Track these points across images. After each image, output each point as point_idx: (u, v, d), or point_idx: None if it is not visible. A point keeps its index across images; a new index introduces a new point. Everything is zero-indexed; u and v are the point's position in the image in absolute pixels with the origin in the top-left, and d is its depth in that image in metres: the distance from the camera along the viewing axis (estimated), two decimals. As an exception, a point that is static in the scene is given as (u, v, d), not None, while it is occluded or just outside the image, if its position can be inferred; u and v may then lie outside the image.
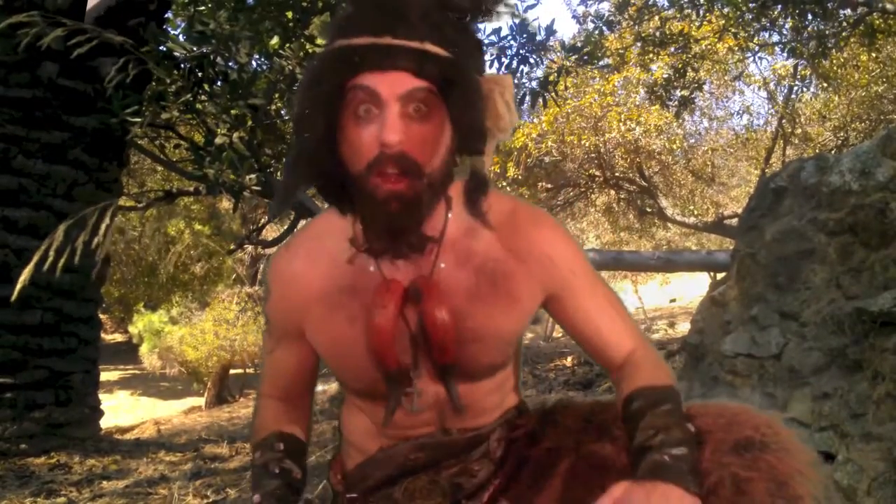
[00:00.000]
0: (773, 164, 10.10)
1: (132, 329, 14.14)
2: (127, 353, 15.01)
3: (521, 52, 5.28)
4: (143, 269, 12.12)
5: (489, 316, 1.08)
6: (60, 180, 4.32)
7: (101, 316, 6.64)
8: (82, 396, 4.50)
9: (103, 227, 3.89)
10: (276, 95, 5.38)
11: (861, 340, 2.30)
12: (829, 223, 2.55)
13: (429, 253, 1.07)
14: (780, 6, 7.58)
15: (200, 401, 11.74)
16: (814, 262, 2.58)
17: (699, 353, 3.05)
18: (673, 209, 10.47)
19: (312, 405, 1.31)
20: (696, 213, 10.81)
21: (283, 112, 5.72)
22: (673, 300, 16.60)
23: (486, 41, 5.11)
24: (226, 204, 10.40)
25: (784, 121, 10.03)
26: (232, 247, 9.42)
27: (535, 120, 9.57)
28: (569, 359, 6.44)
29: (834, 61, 8.94)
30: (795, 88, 10.22)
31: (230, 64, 4.79)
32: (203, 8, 4.74)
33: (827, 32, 7.79)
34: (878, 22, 7.82)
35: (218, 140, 4.60)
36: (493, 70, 5.17)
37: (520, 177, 9.60)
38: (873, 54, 8.87)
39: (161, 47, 4.40)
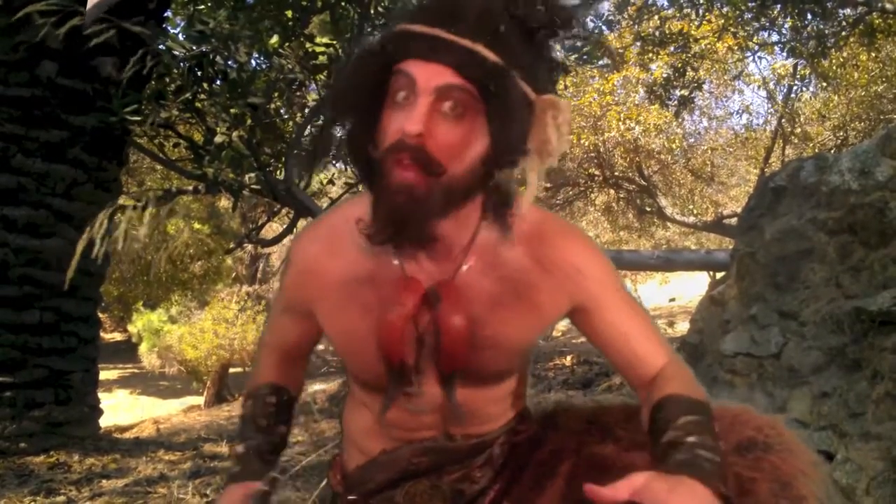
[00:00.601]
0: (773, 163, 10.10)
1: (131, 328, 14.14)
2: (126, 351, 15.00)
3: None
4: (142, 268, 12.10)
5: (507, 324, 1.06)
6: (60, 179, 4.32)
7: (101, 315, 6.64)
8: (81, 395, 4.50)
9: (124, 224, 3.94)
10: (276, 94, 5.38)
11: (860, 339, 2.30)
12: (828, 222, 2.55)
13: (454, 257, 1.05)
14: (779, 6, 7.58)
15: (200, 400, 11.74)
16: (813, 262, 2.58)
17: (698, 352, 3.05)
18: (672, 208, 10.47)
19: (310, 360, 1.35)
20: (695, 212, 10.81)
21: (282, 111, 5.73)
22: (672, 299, 16.61)
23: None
24: (225, 203, 10.39)
25: (783, 120, 10.03)
26: (231, 246, 9.42)
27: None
28: (568, 358, 6.45)
29: (833, 61, 8.94)
30: (795, 88, 10.23)
31: (230, 63, 4.80)
32: (203, 7, 4.74)
33: (826, 32, 7.79)
34: (877, 21, 7.83)
35: (217, 139, 4.60)
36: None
37: (519, 176, 9.58)
38: (873, 54, 8.87)
39: (161, 46, 4.39)
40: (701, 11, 8.29)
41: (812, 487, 0.95)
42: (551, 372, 5.97)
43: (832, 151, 8.28)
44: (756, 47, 9.45)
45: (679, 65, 9.22)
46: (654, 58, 9.32)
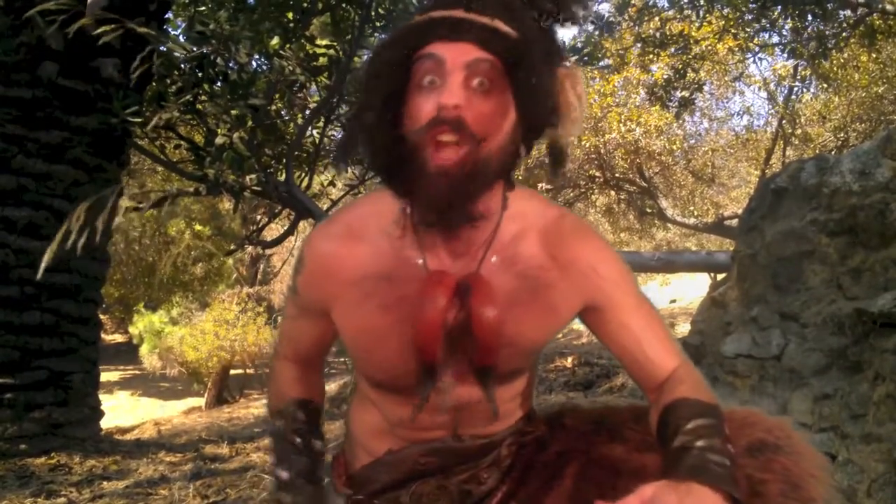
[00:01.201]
0: (773, 164, 10.10)
1: (132, 329, 14.15)
2: (127, 353, 15.01)
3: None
4: (143, 270, 12.11)
5: (524, 323, 1.06)
6: (60, 180, 4.32)
7: (101, 316, 6.64)
8: (82, 397, 4.50)
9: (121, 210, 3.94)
10: (277, 96, 5.38)
11: (861, 341, 2.30)
12: (829, 224, 2.55)
13: (475, 251, 1.05)
14: (780, 7, 7.58)
15: (200, 401, 11.74)
16: (814, 263, 2.58)
17: (699, 353, 3.05)
18: (673, 210, 10.48)
19: (325, 363, 1.33)
20: (696, 213, 10.81)
21: (283, 112, 5.73)
22: (673, 301, 16.59)
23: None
24: (226, 204, 10.40)
25: (784, 121, 10.03)
26: (232, 247, 9.42)
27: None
28: (569, 359, 6.44)
29: (834, 62, 8.94)
30: (795, 89, 10.24)
31: (230, 64, 4.80)
32: (203, 8, 4.74)
33: (827, 33, 7.79)
34: (878, 23, 7.83)
35: (218, 140, 4.60)
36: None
37: (520, 177, 9.60)
38: (873, 55, 8.88)
39: (161, 47, 4.40)
40: (701, 13, 8.30)
41: (821, 489, 0.95)
42: (552, 373, 5.97)
43: (833, 153, 8.28)
44: (757, 48, 9.46)
45: (680, 66, 9.22)
46: (655, 59, 9.33)
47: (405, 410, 1.11)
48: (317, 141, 5.92)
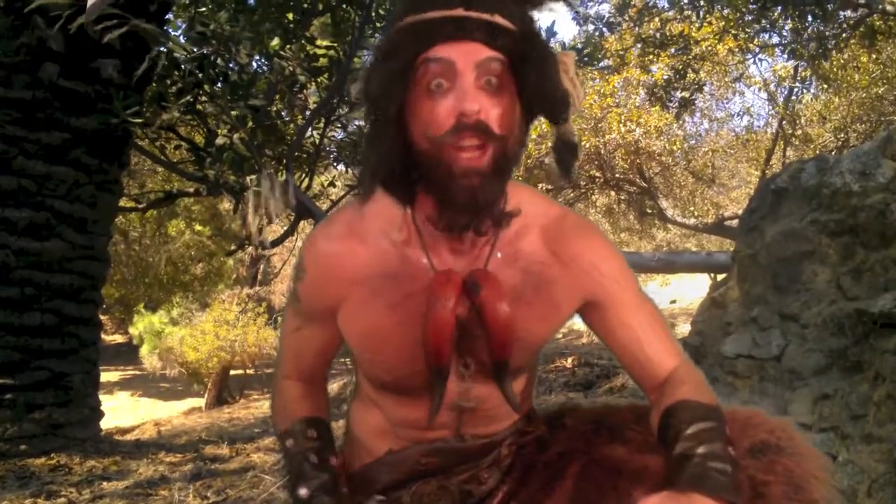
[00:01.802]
0: (774, 165, 10.10)
1: (132, 330, 14.16)
2: (127, 354, 15.02)
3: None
4: (143, 270, 12.12)
5: (527, 319, 1.05)
6: (61, 181, 4.32)
7: (102, 317, 6.64)
8: (82, 397, 4.50)
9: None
10: (277, 96, 5.39)
11: (861, 342, 2.30)
12: (829, 224, 2.55)
13: (479, 247, 1.05)
14: (780, 7, 7.58)
15: (200, 402, 11.74)
16: (814, 264, 2.58)
17: (699, 354, 3.05)
18: (673, 210, 10.48)
19: (327, 382, 1.30)
20: (696, 214, 10.81)
21: (283, 113, 5.73)
22: (673, 301, 16.59)
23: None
24: (226, 205, 10.40)
25: (784, 122, 10.03)
26: (232, 247, 9.42)
27: (535, 121, 9.56)
28: (569, 360, 6.44)
29: (834, 63, 8.94)
30: (796, 90, 10.23)
31: (231, 65, 4.80)
32: (204, 9, 4.74)
33: (827, 34, 7.79)
34: (878, 23, 7.83)
35: (218, 141, 4.61)
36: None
37: (520, 178, 9.61)
38: (873, 56, 8.88)
39: (162, 48, 4.40)
40: (701, 13, 8.30)
41: (823, 491, 0.95)
42: (552, 374, 5.97)
43: (833, 153, 8.28)
44: (757, 49, 9.46)
45: (680, 67, 9.22)
46: (655, 60, 9.32)
47: (409, 411, 1.10)
48: (317, 141, 5.92)
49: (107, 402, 6.12)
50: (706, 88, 10.54)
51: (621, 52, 9.45)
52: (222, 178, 4.49)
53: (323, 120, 5.78)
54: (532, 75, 0.98)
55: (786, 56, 8.91)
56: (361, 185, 1.05)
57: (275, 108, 5.55)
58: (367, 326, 1.08)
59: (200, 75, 4.74)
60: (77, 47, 4.18)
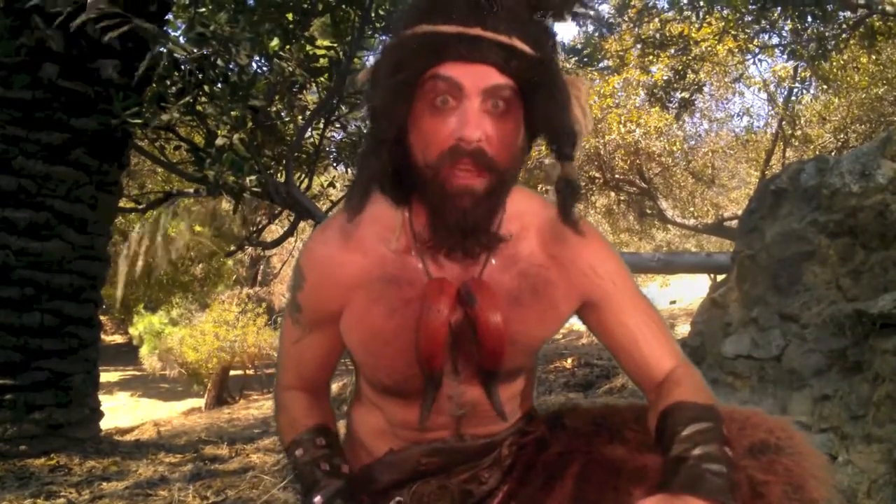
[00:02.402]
0: (773, 165, 10.10)
1: (132, 330, 14.17)
2: (127, 354, 15.03)
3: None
4: (143, 271, 12.12)
5: (525, 322, 1.06)
6: (60, 181, 4.32)
7: (102, 317, 6.64)
8: (82, 398, 4.50)
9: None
10: (277, 97, 5.38)
11: (861, 342, 2.30)
12: (829, 225, 2.55)
13: (477, 253, 1.04)
14: (779, 8, 7.58)
15: (200, 402, 11.75)
16: (814, 264, 2.58)
17: (699, 354, 3.05)
18: (673, 211, 10.48)
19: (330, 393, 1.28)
20: (696, 214, 10.81)
21: (283, 113, 5.73)
22: (673, 302, 16.60)
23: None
24: (226, 205, 10.40)
25: (784, 123, 10.03)
26: (232, 248, 9.42)
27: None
28: (568, 360, 6.44)
29: (834, 63, 8.94)
30: (795, 90, 10.24)
31: (230, 65, 4.80)
32: (203, 9, 4.74)
33: (827, 34, 7.80)
34: (877, 24, 7.84)
35: (218, 141, 4.60)
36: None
37: (520, 178, 9.59)
38: (873, 56, 8.88)
39: (162, 48, 4.40)
40: (701, 14, 8.30)
41: (823, 490, 0.95)
42: (552, 374, 5.97)
43: (833, 154, 8.28)
44: (756, 50, 9.47)
45: (679, 67, 9.23)
46: (655, 60, 9.33)
47: (409, 413, 1.10)
48: (317, 142, 5.92)
49: (106, 402, 6.12)
50: (706, 89, 10.54)
51: (621, 53, 9.45)
52: (222, 178, 4.48)
53: (322, 120, 5.78)
54: (541, 105, 0.96)
55: (785, 57, 8.93)
56: (351, 198, 1.02)
57: (274, 109, 5.55)
58: (368, 331, 1.07)
59: (200, 76, 4.74)
60: (77, 47, 4.18)
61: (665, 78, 9.40)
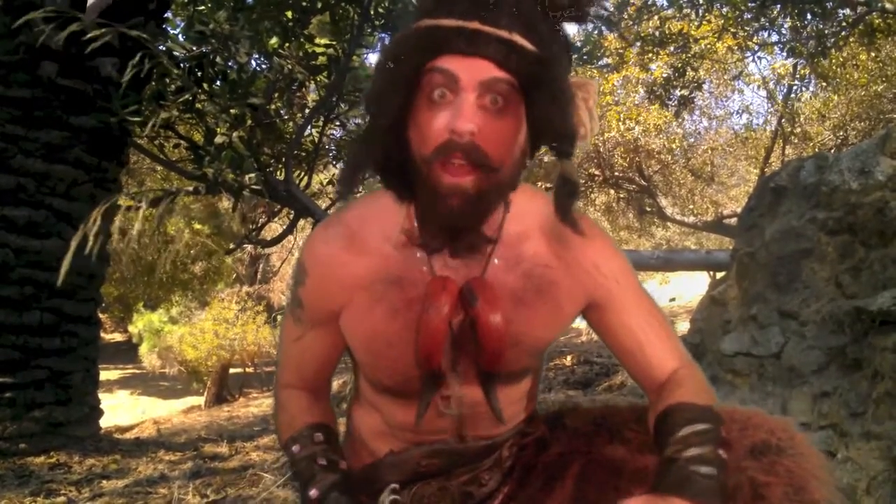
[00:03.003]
0: (773, 163, 10.10)
1: (132, 328, 14.16)
2: (127, 352, 15.02)
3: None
4: (142, 269, 12.12)
5: (530, 323, 1.05)
6: (60, 180, 4.32)
7: (101, 315, 6.64)
8: (82, 396, 4.50)
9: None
10: (276, 95, 5.39)
11: (860, 339, 2.30)
12: (828, 222, 2.55)
13: (482, 252, 1.04)
14: (779, 6, 7.58)
15: (200, 400, 11.75)
16: (813, 262, 2.58)
17: (698, 352, 3.05)
18: (672, 208, 10.48)
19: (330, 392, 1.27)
20: (695, 212, 10.81)
21: (282, 111, 5.73)
22: (672, 299, 16.60)
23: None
24: (225, 203, 10.40)
25: (783, 120, 10.03)
26: (231, 246, 9.42)
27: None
28: (568, 358, 6.44)
29: (833, 61, 8.94)
30: (795, 88, 10.23)
31: (230, 63, 4.80)
32: (202, 8, 4.74)
33: (826, 32, 7.79)
34: (877, 21, 7.83)
35: (217, 139, 4.60)
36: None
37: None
38: (872, 54, 8.88)
39: (161, 46, 4.40)
40: (701, 11, 8.29)
41: (824, 491, 0.94)
42: (551, 372, 5.97)
43: (832, 151, 8.27)
44: (756, 47, 9.46)
45: (679, 65, 9.23)
46: (654, 58, 9.33)
47: (408, 414, 1.09)
48: (316, 140, 5.92)
49: (106, 400, 6.12)
50: (705, 86, 10.54)
51: (620, 51, 9.45)
52: (221, 176, 4.48)
53: (322, 118, 5.78)
54: (541, 103, 0.94)
55: (785, 54, 8.92)
56: (342, 183, 1.01)
57: (274, 107, 5.55)
58: (369, 332, 1.06)
59: (199, 74, 4.74)
60: (76, 46, 4.18)
61: (664, 75, 9.40)
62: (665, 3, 8.73)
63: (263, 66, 5.46)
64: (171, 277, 12.51)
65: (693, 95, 9.80)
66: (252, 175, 4.70)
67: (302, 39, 5.20)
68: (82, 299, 4.52)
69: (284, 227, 6.80)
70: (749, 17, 8.23)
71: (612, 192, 10.88)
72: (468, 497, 1.15)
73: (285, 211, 6.63)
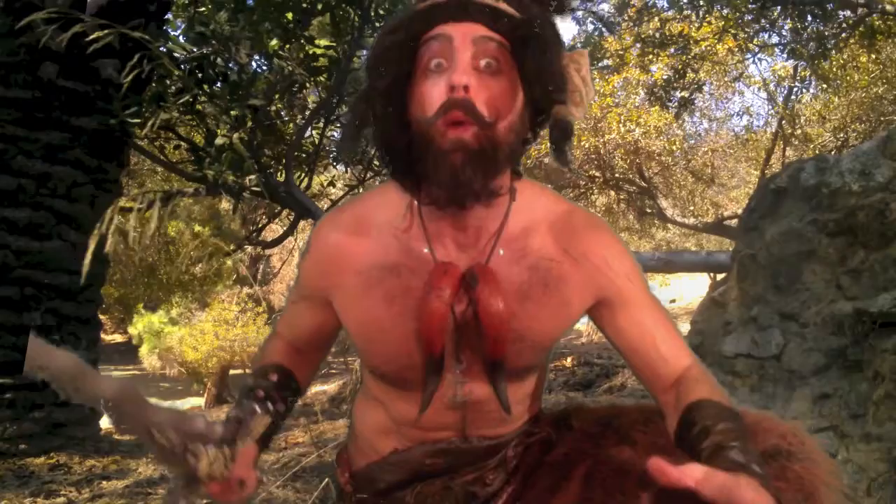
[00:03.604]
0: (773, 165, 10.10)
1: (132, 330, 14.15)
2: (127, 353, 15.01)
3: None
4: (143, 270, 12.12)
5: (535, 318, 1.04)
6: (60, 181, 4.32)
7: (101, 316, 6.63)
8: (82, 397, 4.50)
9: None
10: (276, 96, 5.39)
11: (861, 341, 2.30)
12: (828, 224, 2.55)
13: (485, 242, 1.04)
14: (779, 7, 7.59)
15: (200, 401, 11.74)
16: (814, 263, 2.58)
17: (699, 353, 3.03)
18: (673, 210, 10.47)
19: (322, 362, 1.28)
20: (695, 213, 10.81)
21: (282, 113, 5.74)
22: (672, 301, 16.61)
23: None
24: (226, 204, 10.41)
25: (784, 122, 10.03)
26: (232, 247, 9.42)
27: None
28: (568, 359, 6.44)
29: (834, 62, 8.94)
30: (795, 89, 10.24)
31: (230, 65, 4.80)
32: (203, 9, 4.74)
33: (827, 34, 7.80)
34: (877, 23, 7.83)
35: (218, 141, 4.61)
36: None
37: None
38: (873, 55, 8.88)
39: (161, 48, 4.40)
40: (701, 13, 8.30)
41: (834, 498, 0.93)
42: (552, 373, 5.97)
43: (832, 153, 8.28)
44: (756, 49, 9.47)
45: (679, 66, 9.24)
46: (655, 60, 9.33)
47: (412, 409, 1.08)
48: (316, 141, 5.93)
49: (106, 401, 6.10)
50: (706, 88, 10.55)
51: (621, 52, 9.46)
52: (221, 178, 4.49)
53: (322, 120, 5.78)
54: (531, 58, 0.99)
55: (785, 56, 8.94)
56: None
57: (274, 108, 5.55)
58: (362, 317, 1.07)
59: (200, 75, 4.75)
60: (76, 47, 4.18)
61: (665, 77, 9.41)
62: (665, 5, 8.74)
63: (264, 68, 5.47)
64: (171, 279, 12.51)
65: (693, 97, 9.81)
66: (252, 176, 4.70)
67: (302, 41, 5.20)
68: (83, 300, 4.51)
69: (285, 228, 6.80)
70: (749, 18, 8.24)
71: (612, 193, 10.88)
72: (472, 497, 1.14)
73: (286, 212, 6.63)
